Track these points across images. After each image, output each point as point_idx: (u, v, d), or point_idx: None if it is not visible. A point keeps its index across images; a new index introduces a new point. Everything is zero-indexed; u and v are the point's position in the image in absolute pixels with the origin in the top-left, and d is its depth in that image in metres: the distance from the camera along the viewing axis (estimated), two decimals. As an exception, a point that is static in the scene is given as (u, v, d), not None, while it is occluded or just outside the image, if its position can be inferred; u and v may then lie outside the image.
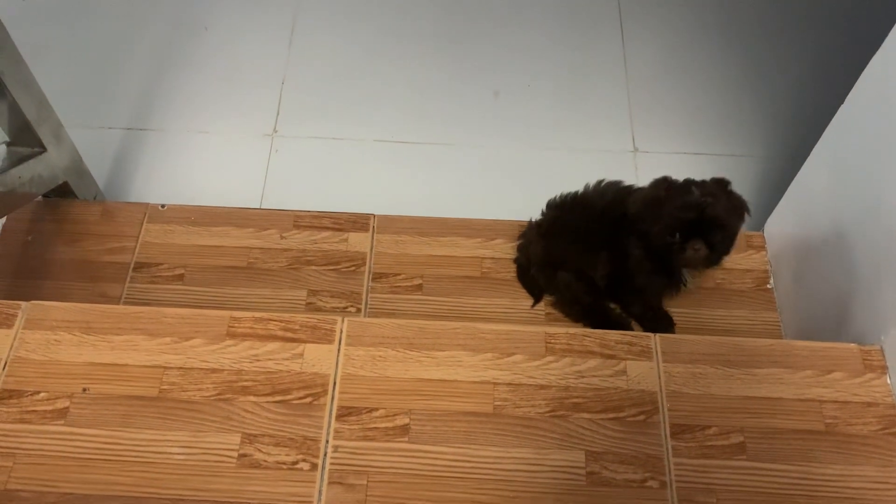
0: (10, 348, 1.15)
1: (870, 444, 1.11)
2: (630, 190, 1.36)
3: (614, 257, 1.33)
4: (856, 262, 1.28)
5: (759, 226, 1.64)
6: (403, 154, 1.90)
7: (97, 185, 1.70)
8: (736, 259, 1.59)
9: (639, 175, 1.88)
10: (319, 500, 1.05)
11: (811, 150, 1.42)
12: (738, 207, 1.26)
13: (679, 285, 1.36)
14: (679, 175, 1.28)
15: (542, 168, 1.89)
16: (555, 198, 1.45)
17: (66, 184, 1.58)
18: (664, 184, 1.27)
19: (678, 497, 1.06)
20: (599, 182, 1.40)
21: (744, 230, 1.58)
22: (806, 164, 1.47)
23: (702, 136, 1.97)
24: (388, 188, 1.83)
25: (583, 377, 1.16)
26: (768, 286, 1.56)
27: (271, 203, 1.78)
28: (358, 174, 1.86)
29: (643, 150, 1.93)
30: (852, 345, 1.20)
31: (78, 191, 1.62)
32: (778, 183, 1.62)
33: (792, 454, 1.10)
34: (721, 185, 1.26)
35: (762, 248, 1.61)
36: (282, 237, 1.59)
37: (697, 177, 1.27)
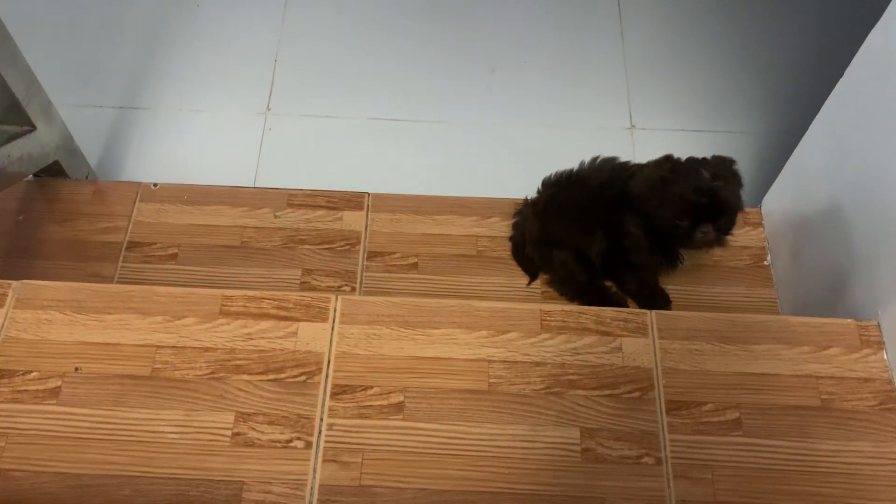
0: (1, 328, 1.14)
1: (865, 419, 1.11)
2: (626, 166, 1.34)
3: (610, 235, 1.31)
4: (853, 238, 1.27)
5: (757, 202, 1.63)
6: (398, 131, 1.89)
7: (89, 164, 1.69)
8: (737, 235, 1.58)
9: (636, 152, 1.87)
10: (314, 478, 1.04)
11: (809, 125, 1.41)
12: (740, 188, 1.24)
13: (676, 263, 1.34)
14: (676, 152, 1.27)
15: (539, 145, 1.87)
16: (550, 176, 1.43)
17: (56, 163, 1.56)
18: (668, 164, 1.24)
19: (673, 473, 1.06)
20: (595, 159, 1.38)
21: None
22: (803, 139, 1.46)
23: (699, 112, 1.95)
24: (383, 166, 1.82)
25: (578, 354, 1.15)
26: (765, 263, 1.55)
27: (265, 182, 1.76)
28: (352, 152, 1.85)
29: (640, 127, 1.92)
30: (849, 320, 1.20)
31: (69, 170, 1.60)
32: (775, 159, 1.61)
33: (788, 430, 1.10)
34: (726, 164, 1.25)
35: (759, 224, 1.60)
36: (275, 216, 1.57)
37: (695, 154, 1.26)
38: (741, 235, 1.59)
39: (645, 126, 1.92)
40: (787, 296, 1.50)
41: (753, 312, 1.49)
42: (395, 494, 1.04)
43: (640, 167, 1.31)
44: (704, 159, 1.24)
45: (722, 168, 1.23)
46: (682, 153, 1.26)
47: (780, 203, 1.57)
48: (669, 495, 1.05)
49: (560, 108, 1.94)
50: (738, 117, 1.94)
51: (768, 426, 1.10)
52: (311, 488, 1.03)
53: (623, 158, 1.38)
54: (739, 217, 1.52)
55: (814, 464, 1.08)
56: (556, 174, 1.43)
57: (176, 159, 1.81)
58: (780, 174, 1.56)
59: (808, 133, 1.43)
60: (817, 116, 1.39)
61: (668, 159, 1.26)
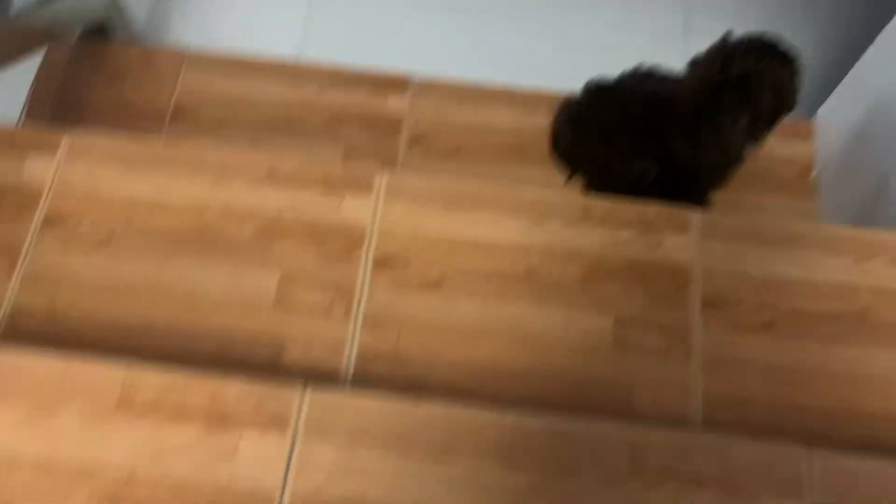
0: (54, 178, 1.16)
1: (899, 332, 1.11)
2: (670, 78, 1.31)
3: (660, 158, 1.29)
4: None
5: (811, 113, 1.59)
6: (451, 8, 1.83)
7: (134, 24, 1.67)
8: (781, 146, 1.55)
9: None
10: (352, 345, 1.08)
11: (874, 38, 1.36)
12: (792, 60, 1.21)
13: (738, 164, 1.32)
14: None
15: (588, 40, 1.81)
16: (591, 82, 1.39)
17: (104, 22, 1.55)
18: (701, 66, 1.22)
19: (702, 367, 1.08)
20: (637, 69, 1.34)
21: (793, 118, 1.54)
22: (867, 53, 1.41)
23: (755, 15, 1.88)
24: (433, 45, 1.77)
25: (618, 246, 1.16)
26: (812, 175, 1.52)
27: (309, 55, 1.73)
28: (402, 27, 1.80)
29: (696, 31, 1.85)
30: (894, 234, 1.18)
31: (116, 29, 1.59)
32: (836, 71, 1.56)
33: (819, 336, 1.11)
34: (763, 41, 1.21)
35: (810, 136, 1.57)
36: (319, 94, 1.56)
37: None
38: (790, 147, 1.56)
39: (701, 30, 1.85)
40: (831, 210, 1.48)
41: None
42: (429, 366, 1.07)
43: (678, 83, 1.28)
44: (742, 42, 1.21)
45: (755, 43, 1.20)
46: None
47: (834, 116, 1.53)
48: (696, 388, 1.07)
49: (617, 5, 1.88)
50: (800, 23, 1.86)
51: (800, 331, 1.11)
52: (349, 353, 1.07)
53: (668, 66, 1.33)
54: (788, 127, 1.51)
55: (841, 371, 1.09)
56: (596, 82, 1.38)
57: (221, 24, 1.77)
58: (839, 86, 1.52)
59: (872, 47, 1.39)
60: (884, 31, 1.34)
61: (693, 63, 1.23)
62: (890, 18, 1.34)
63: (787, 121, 1.58)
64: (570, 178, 1.49)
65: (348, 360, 1.06)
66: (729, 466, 0.86)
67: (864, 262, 1.16)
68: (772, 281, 1.15)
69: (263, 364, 1.05)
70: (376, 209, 1.16)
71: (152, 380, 0.83)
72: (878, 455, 0.90)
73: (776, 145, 1.54)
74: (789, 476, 0.85)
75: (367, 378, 1.05)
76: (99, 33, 1.58)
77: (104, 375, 0.84)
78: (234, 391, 0.83)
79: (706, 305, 1.12)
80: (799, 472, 0.85)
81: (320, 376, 1.03)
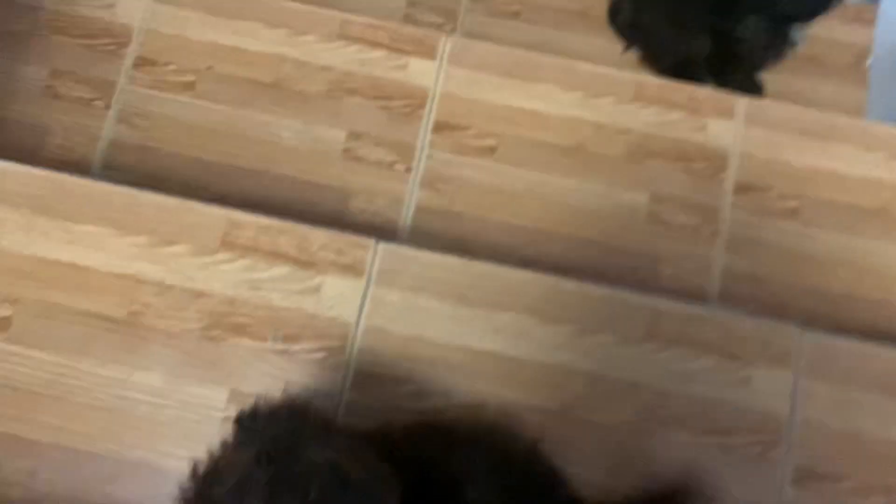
0: (140, 20, 1.24)
1: (916, 229, 1.20)
2: None
3: (715, 36, 1.32)
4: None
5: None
6: None
7: None
8: (842, 30, 1.56)
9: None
10: (411, 199, 1.19)
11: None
12: None
13: (790, 48, 1.35)
14: None
15: None
16: None
17: None
18: None
19: (726, 246, 1.19)
20: None
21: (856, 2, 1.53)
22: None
23: None
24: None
25: (664, 126, 1.23)
26: (866, 64, 1.54)
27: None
28: None
29: None
30: (930, 134, 1.24)
31: None
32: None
33: (840, 226, 1.20)
34: None
35: (871, 23, 1.56)
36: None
37: None
38: (849, 32, 1.56)
39: None
40: (878, 102, 1.51)
41: (841, 112, 1.51)
42: (480, 222, 1.19)
43: None
44: None
45: None
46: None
47: (899, 4, 1.52)
48: (717, 264, 1.18)
49: None
50: None
51: (823, 219, 1.20)
52: (408, 206, 1.19)
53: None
54: (850, 11, 1.51)
55: (857, 260, 1.19)
56: None
57: None
58: (911, -28, 1.49)
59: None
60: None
61: None
62: None
63: (851, 3, 1.58)
64: (626, 49, 1.52)
65: (406, 213, 1.18)
66: (731, 336, 0.99)
67: (893, 161, 1.23)
68: (803, 170, 1.22)
69: (330, 211, 1.18)
70: (439, 73, 1.23)
71: (250, 223, 0.97)
72: (867, 338, 1.03)
73: (837, 28, 1.55)
74: (781, 350, 0.98)
75: (423, 231, 1.18)
76: None
77: (212, 216, 0.98)
78: (320, 239, 0.96)
79: (738, 189, 1.21)
80: (789, 347, 0.98)
81: (381, 227, 1.16)
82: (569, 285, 1.01)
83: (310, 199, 1.19)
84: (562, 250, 1.18)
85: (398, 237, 1.16)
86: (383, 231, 1.16)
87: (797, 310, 1.15)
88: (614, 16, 1.51)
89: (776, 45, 1.34)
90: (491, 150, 1.21)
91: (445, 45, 1.25)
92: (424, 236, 1.17)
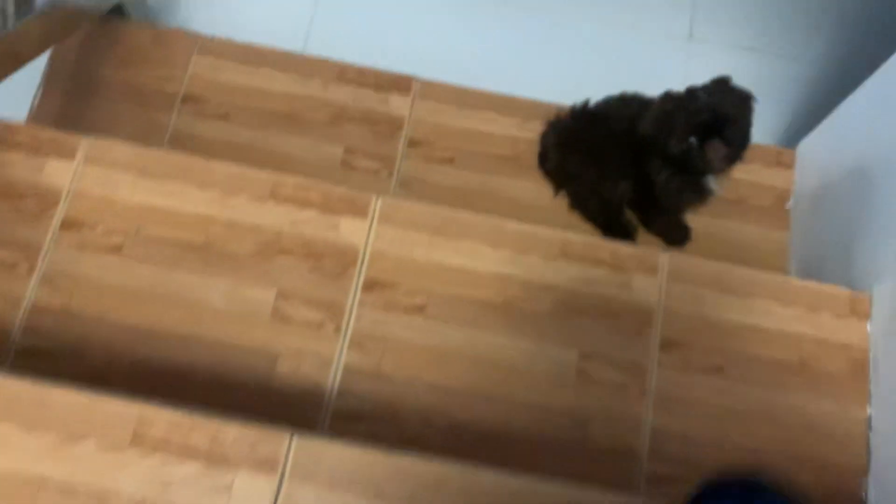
0: (71, 182, 1.24)
1: (835, 382, 1.23)
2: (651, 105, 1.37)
3: (636, 182, 1.37)
4: (873, 205, 1.33)
5: (794, 143, 1.66)
6: (458, 10, 1.86)
7: (148, 3, 1.71)
8: (762, 174, 1.63)
9: (689, 66, 1.85)
10: (339, 360, 1.19)
11: (873, 69, 1.40)
12: (745, 99, 1.27)
13: (707, 195, 1.40)
14: (729, 72, 1.29)
15: (592, 43, 1.85)
16: (576, 105, 1.46)
17: (120, 2, 1.59)
18: (668, 99, 1.28)
19: (654, 404, 1.20)
20: (622, 96, 1.41)
21: (776, 146, 1.61)
22: (856, 92, 1.46)
23: (760, 29, 1.91)
24: (436, 46, 1.82)
25: (590, 284, 1.26)
26: (787, 206, 1.61)
27: (315, 49, 1.77)
28: (406, 26, 1.84)
29: (699, 39, 1.89)
30: (844, 290, 1.28)
31: (131, 8, 1.64)
32: (825, 101, 1.61)
33: (764, 381, 1.23)
34: (722, 83, 1.28)
35: (791, 167, 1.64)
36: (324, 89, 1.62)
37: (746, 76, 1.28)
38: (770, 175, 1.64)
39: (705, 38, 1.89)
40: (800, 243, 1.57)
41: (764, 253, 1.57)
42: (409, 385, 1.18)
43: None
44: (704, 85, 1.27)
45: (717, 86, 1.26)
46: (735, 73, 1.28)
47: (815, 149, 1.60)
48: (646, 423, 1.19)
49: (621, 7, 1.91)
50: (799, 43, 1.90)
51: (746, 374, 1.23)
52: (336, 368, 1.18)
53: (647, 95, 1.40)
54: (771, 155, 1.59)
55: (780, 415, 1.21)
56: (581, 106, 1.46)
57: (227, 10, 1.81)
58: (824, 121, 1.57)
59: (862, 87, 1.44)
60: (876, 73, 1.39)
61: (667, 95, 1.29)
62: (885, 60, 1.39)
63: (773, 148, 1.67)
64: (557, 193, 1.57)
65: (335, 375, 1.18)
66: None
67: (812, 314, 1.27)
68: (726, 326, 1.25)
69: (256, 377, 1.16)
70: (370, 233, 1.25)
71: (162, 418, 0.95)
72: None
73: (759, 171, 1.63)
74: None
75: (351, 393, 1.17)
76: (114, 12, 1.62)
77: (122, 411, 0.95)
78: (233, 433, 0.94)
79: (664, 346, 1.23)
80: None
81: (308, 392, 1.15)
82: (488, 478, 1.00)
83: (236, 364, 1.17)
84: (492, 412, 1.18)
85: (323, 406, 1.15)
86: (310, 396, 1.15)
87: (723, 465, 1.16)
88: (543, 161, 1.57)
89: (692, 190, 1.38)
90: (420, 309, 1.22)
91: (377, 203, 1.27)
92: (353, 399, 1.17)
